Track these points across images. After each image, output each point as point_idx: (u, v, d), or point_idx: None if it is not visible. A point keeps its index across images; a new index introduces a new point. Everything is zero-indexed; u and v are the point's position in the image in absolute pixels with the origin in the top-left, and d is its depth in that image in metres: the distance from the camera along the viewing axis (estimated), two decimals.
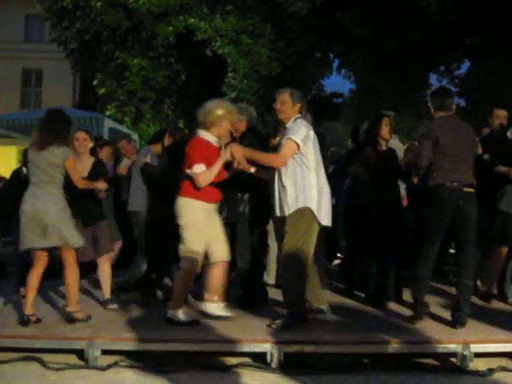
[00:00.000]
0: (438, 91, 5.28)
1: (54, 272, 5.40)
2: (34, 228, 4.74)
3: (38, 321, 4.81)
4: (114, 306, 5.46)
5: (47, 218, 4.72)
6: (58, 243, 4.80)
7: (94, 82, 17.71)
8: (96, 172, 5.49)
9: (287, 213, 4.72)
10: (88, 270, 6.30)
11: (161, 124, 16.91)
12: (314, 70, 19.77)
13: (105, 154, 6.84)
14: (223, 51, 16.69)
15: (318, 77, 21.90)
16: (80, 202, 5.40)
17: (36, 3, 18.21)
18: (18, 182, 5.98)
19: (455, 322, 4.62)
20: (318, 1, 15.50)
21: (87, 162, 5.58)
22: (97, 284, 6.18)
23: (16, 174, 6.68)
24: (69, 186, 4.96)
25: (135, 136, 13.86)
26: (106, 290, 5.56)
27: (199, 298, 5.11)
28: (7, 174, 13.97)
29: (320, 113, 24.82)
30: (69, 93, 25.33)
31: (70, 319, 4.83)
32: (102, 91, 17.48)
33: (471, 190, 4.75)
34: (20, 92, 26.40)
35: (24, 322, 4.72)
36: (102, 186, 5.32)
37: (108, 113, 16.53)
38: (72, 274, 4.91)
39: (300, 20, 16.11)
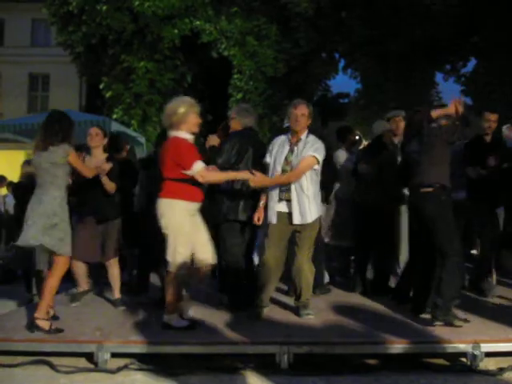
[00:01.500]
0: None
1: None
2: (32, 226, 4.72)
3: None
4: (123, 307, 5.54)
5: (47, 220, 4.70)
6: (50, 246, 4.75)
7: (101, 86, 17.77)
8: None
9: (309, 220, 4.99)
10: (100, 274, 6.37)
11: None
12: (319, 70, 19.72)
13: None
14: (229, 53, 16.70)
15: (323, 77, 21.87)
16: (94, 199, 5.44)
17: (42, 8, 18.30)
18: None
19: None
20: (322, 1, 15.47)
21: (99, 158, 5.62)
22: (105, 287, 6.22)
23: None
24: (81, 182, 4.97)
25: (142, 139, 13.88)
26: (116, 291, 5.64)
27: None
28: (15, 178, 14.08)
29: (326, 113, 24.84)
30: (75, 96, 25.40)
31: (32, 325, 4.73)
32: (108, 94, 17.53)
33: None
34: (27, 96, 26.48)
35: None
36: (107, 166, 5.36)
37: (115, 116, 16.57)
38: (54, 278, 4.80)
39: (305, 21, 16.10)
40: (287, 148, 5.11)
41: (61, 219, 4.76)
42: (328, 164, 6.65)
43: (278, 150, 5.14)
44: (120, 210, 5.79)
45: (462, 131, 4.68)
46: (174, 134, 4.77)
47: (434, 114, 4.76)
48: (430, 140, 4.73)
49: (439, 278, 4.67)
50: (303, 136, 5.11)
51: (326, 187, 6.56)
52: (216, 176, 4.86)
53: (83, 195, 5.50)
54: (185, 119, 4.72)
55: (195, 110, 4.80)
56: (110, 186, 5.50)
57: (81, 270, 5.69)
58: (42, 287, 4.89)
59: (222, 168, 5.12)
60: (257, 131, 5.87)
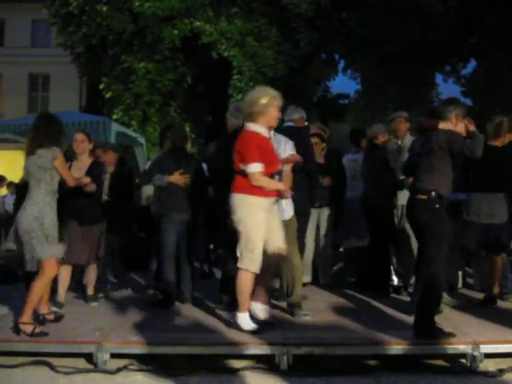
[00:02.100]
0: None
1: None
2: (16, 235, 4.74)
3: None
4: (95, 303, 5.77)
5: (29, 228, 4.66)
6: (30, 258, 4.75)
7: (101, 86, 17.78)
8: (92, 172, 5.56)
9: (287, 217, 5.06)
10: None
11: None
12: (319, 71, 19.76)
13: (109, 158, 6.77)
14: (229, 54, 16.70)
15: (323, 78, 21.90)
16: (77, 202, 5.46)
17: (42, 8, 18.32)
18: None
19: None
20: (323, 2, 15.48)
21: (85, 163, 5.66)
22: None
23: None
24: (65, 186, 4.95)
25: (142, 140, 13.88)
26: (90, 288, 5.88)
27: None
28: (15, 178, 14.10)
29: (326, 114, 24.84)
30: (75, 97, 25.44)
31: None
32: (108, 95, 17.54)
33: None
34: (27, 97, 26.54)
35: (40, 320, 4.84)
36: (86, 180, 5.31)
37: (115, 116, 16.57)
38: (39, 283, 4.73)
39: (305, 22, 16.11)
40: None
41: (40, 224, 4.66)
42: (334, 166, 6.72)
43: None
44: (103, 215, 5.85)
45: (467, 144, 4.63)
46: (249, 125, 4.64)
47: (442, 125, 4.72)
48: (432, 145, 4.70)
49: (420, 294, 4.59)
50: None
51: (334, 190, 6.61)
52: (267, 183, 4.60)
53: (68, 199, 5.50)
54: (265, 111, 4.58)
55: (277, 103, 4.65)
56: (90, 188, 5.44)
57: (66, 276, 5.66)
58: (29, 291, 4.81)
59: (216, 170, 5.09)
60: None
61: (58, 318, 5.06)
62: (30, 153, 4.77)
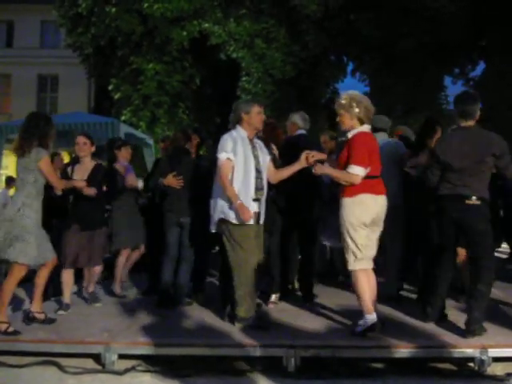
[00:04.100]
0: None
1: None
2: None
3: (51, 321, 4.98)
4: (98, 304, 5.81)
5: (4, 228, 4.65)
6: (3, 256, 4.69)
7: (109, 87, 17.86)
8: (94, 176, 5.56)
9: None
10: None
11: (176, 128, 17.00)
12: (328, 73, 19.73)
13: (124, 154, 6.62)
14: (237, 55, 16.73)
15: (332, 80, 21.85)
16: (80, 207, 5.46)
17: (51, 9, 18.42)
18: None
19: (467, 332, 4.47)
20: (331, 4, 15.48)
21: (88, 166, 5.64)
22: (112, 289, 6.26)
23: None
24: (68, 191, 4.95)
25: (150, 141, 13.92)
26: (91, 286, 5.94)
27: None
28: None
29: (334, 116, 24.73)
30: (84, 98, 25.52)
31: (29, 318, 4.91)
32: (117, 96, 17.62)
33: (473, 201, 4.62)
34: (36, 97, 26.65)
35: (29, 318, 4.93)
36: (80, 184, 5.29)
37: (123, 117, 16.64)
38: (8, 284, 4.75)
39: (314, 23, 16.10)
40: (249, 145, 4.93)
41: (16, 225, 4.63)
42: None
43: (243, 148, 4.86)
44: (105, 219, 5.89)
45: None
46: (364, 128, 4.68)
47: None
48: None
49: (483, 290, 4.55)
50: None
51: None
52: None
53: (70, 203, 5.52)
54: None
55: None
56: (88, 192, 5.40)
57: (69, 279, 5.68)
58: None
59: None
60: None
61: (50, 320, 5.02)
62: (18, 154, 4.72)
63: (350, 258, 4.58)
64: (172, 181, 5.71)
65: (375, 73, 20.08)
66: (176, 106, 17.61)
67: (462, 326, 4.72)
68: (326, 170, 4.72)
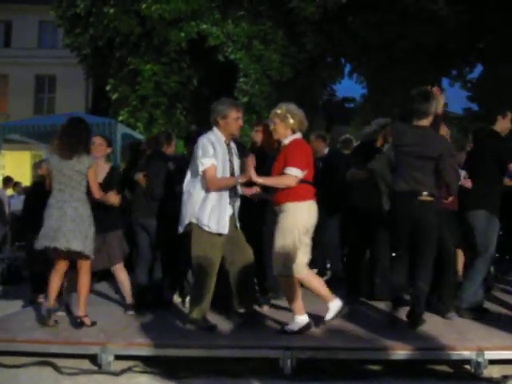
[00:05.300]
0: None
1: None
2: (54, 229, 4.76)
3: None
4: (132, 312, 5.52)
5: (70, 223, 4.77)
6: (65, 247, 4.77)
7: (107, 88, 17.84)
8: (111, 179, 5.54)
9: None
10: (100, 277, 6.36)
11: (173, 129, 17.00)
12: (325, 74, 19.75)
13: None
14: (235, 56, 16.74)
15: (329, 81, 21.89)
16: (94, 210, 5.44)
17: (49, 10, 18.40)
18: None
19: (410, 326, 4.71)
20: (329, 6, 15.49)
21: (103, 168, 5.61)
22: (109, 290, 6.25)
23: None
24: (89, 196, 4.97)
25: None
26: (128, 296, 5.60)
27: None
28: (21, 179, 14.16)
29: (331, 117, 24.83)
30: (82, 98, 25.50)
31: (78, 324, 4.89)
32: (114, 96, 17.60)
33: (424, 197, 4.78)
34: (33, 98, 26.60)
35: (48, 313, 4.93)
36: (114, 200, 5.32)
37: (121, 118, 16.61)
38: (83, 280, 4.96)
39: (311, 25, 16.12)
40: (226, 149, 4.90)
41: (85, 222, 4.88)
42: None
43: (221, 152, 4.84)
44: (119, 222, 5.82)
45: None
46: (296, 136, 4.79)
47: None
48: None
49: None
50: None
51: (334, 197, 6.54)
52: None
53: None
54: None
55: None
56: (112, 200, 5.40)
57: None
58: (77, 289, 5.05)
59: None
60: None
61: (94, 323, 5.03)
62: (67, 157, 4.85)
63: (293, 263, 4.62)
64: (140, 179, 5.79)
65: (373, 74, 20.10)
66: (173, 106, 17.60)
67: (459, 328, 4.75)
68: (260, 180, 4.66)
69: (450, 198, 5.03)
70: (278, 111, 4.77)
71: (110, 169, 5.68)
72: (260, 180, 4.63)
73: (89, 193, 4.97)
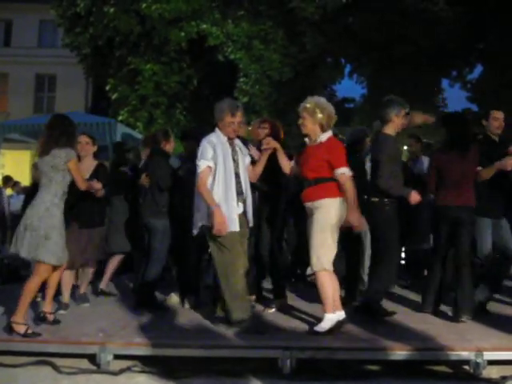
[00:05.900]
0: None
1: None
2: (21, 234, 4.71)
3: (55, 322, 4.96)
4: (86, 304, 5.80)
5: (31, 226, 4.66)
6: (27, 255, 4.69)
7: (107, 87, 17.83)
8: (97, 175, 5.58)
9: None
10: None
11: (173, 129, 17.00)
12: (325, 75, 19.76)
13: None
14: (235, 56, 16.75)
15: (329, 82, 21.89)
16: (80, 205, 5.46)
17: (50, 9, 18.39)
18: None
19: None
20: (329, 6, 15.50)
21: (89, 165, 5.66)
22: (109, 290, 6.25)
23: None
24: (70, 188, 4.96)
25: None
26: (83, 287, 5.96)
27: None
28: (21, 178, 14.14)
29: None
30: (81, 98, 25.48)
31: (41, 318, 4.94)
32: (114, 96, 17.59)
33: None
34: (33, 97, 26.57)
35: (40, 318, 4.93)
36: (97, 186, 5.32)
37: (120, 118, 16.61)
38: (32, 284, 4.70)
39: (312, 25, 16.12)
40: (229, 148, 4.85)
41: (44, 224, 4.65)
42: None
43: (222, 153, 4.77)
44: (104, 219, 5.90)
45: None
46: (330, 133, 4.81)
47: None
48: None
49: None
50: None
51: None
52: None
53: (71, 199, 5.52)
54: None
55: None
56: (96, 187, 5.39)
57: (68, 279, 5.65)
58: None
59: None
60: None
61: (56, 321, 5.01)
62: (44, 152, 4.77)
63: (323, 258, 4.61)
64: (143, 179, 5.80)
65: (373, 75, 20.14)
66: (173, 106, 17.59)
67: (458, 329, 4.75)
68: (352, 202, 4.67)
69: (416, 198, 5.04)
70: (308, 105, 4.74)
71: (97, 165, 5.73)
72: (352, 203, 4.64)
73: (74, 185, 4.91)
